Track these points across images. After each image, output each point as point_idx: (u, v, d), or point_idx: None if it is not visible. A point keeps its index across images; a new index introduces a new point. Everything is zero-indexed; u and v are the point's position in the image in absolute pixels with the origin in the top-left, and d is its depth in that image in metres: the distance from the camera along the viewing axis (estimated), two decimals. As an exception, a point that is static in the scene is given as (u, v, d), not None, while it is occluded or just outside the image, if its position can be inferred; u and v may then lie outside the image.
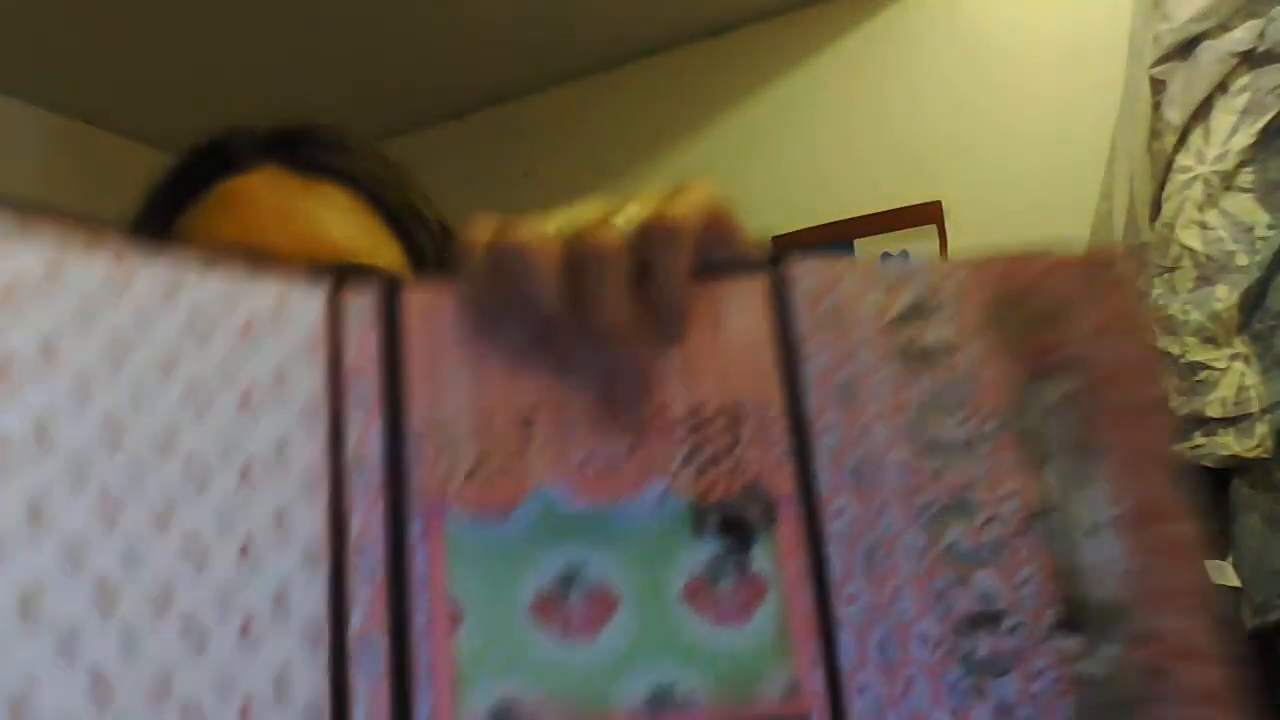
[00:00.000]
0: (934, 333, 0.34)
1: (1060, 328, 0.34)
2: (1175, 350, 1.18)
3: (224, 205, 0.52)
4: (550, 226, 0.34)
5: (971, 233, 1.72)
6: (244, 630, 0.29)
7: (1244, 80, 1.18)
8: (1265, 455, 1.11)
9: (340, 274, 0.32)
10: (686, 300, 0.33)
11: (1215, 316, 1.15)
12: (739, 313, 0.34)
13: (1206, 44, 1.21)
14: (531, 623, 0.30)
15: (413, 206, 0.57)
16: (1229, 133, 1.18)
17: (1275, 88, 1.16)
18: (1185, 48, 1.24)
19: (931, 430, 0.33)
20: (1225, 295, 1.14)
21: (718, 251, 0.35)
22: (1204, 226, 1.18)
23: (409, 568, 0.30)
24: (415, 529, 0.30)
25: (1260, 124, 1.16)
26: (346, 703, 0.29)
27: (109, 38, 1.99)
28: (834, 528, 0.32)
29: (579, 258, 0.32)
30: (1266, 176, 1.15)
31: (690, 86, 2.11)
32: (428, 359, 0.32)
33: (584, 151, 2.26)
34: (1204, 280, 1.17)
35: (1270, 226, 1.14)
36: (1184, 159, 1.23)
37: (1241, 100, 1.18)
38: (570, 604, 0.31)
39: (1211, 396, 1.14)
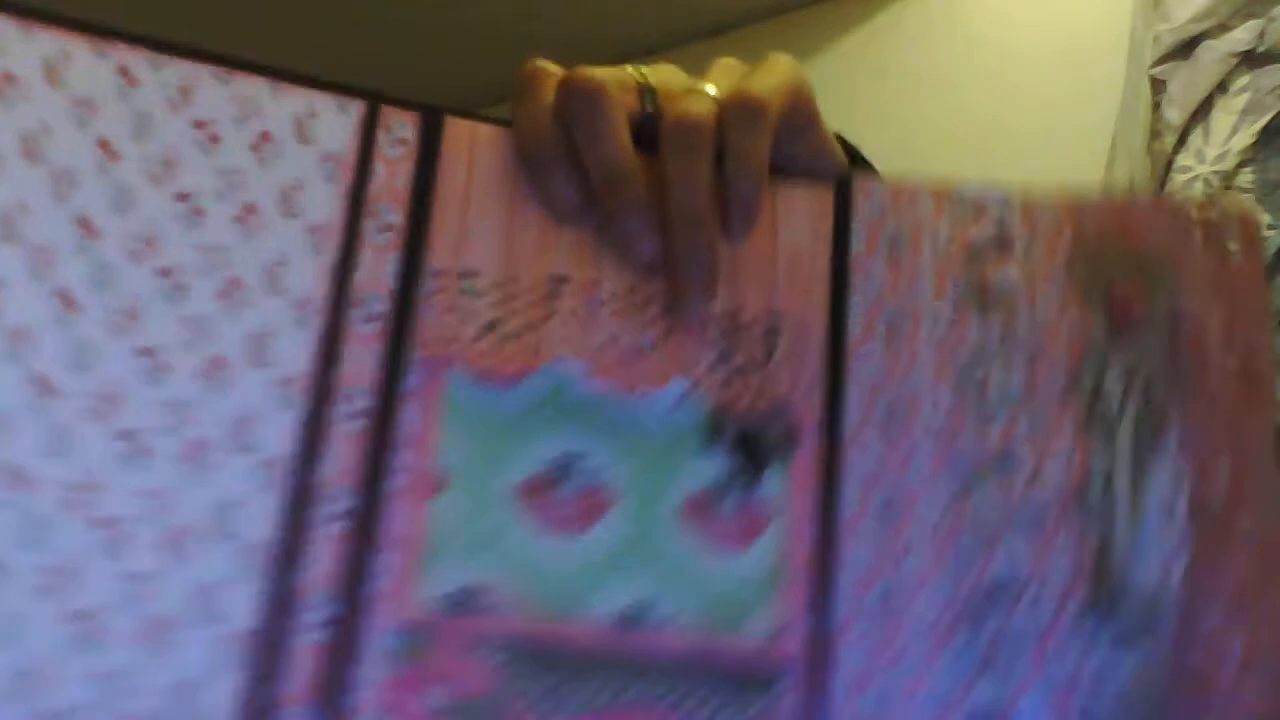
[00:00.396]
0: (1006, 271, 0.31)
1: (1151, 279, 0.31)
2: (1175, 350, 1.18)
3: None
4: (631, 78, 0.31)
5: (971, 233, 1.72)
6: (191, 457, 0.25)
7: (1244, 80, 1.18)
8: (1265, 455, 1.11)
9: (375, 96, 0.29)
10: (761, 193, 0.30)
11: (1215, 316, 1.15)
12: (796, 220, 0.31)
13: (1206, 44, 1.21)
14: (517, 506, 0.28)
15: None
16: (1229, 133, 1.18)
17: (1275, 88, 1.16)
18: (1185, 48, 1.24)
19: (986, 375, 0.30)
20: (1225, 295, 1.14)
21: (796, 142, 0.32)
22: (1204, 226, 1.18)
23: (396, 422, 0.27)
24: (412, 381, 0.27)
25: (1260, 124, 1.16)
26: (297, 555, 0.25)
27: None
28: (855, 464, 0.29)
29: (670, 123, 0.29)
30: (1266, 176, 1.15)
31: (690, 86, 2.10)
32: (460, 201, 0.29)
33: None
34: (1204, 280, 1.17)
35: (1270, 226, 1.14)
36: (1184, 159, 1.22)
37: (1241, 100, 1.18)
38: (561, 494, 0.28)
39: (1211, 396, 1.14)
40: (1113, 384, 0.30)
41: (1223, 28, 1.20)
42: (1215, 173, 1.18)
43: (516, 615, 0.27)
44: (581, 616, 0.27)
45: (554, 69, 0.30)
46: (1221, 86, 1.20)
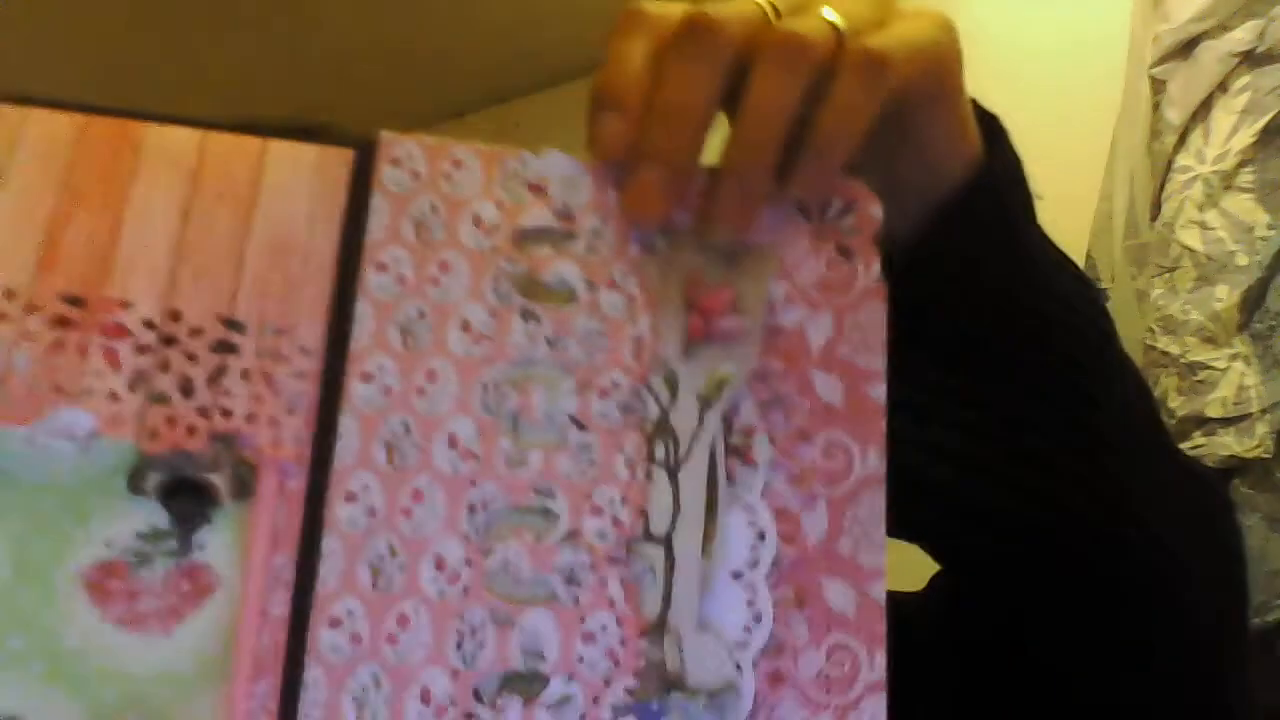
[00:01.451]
0: (567, 264, 0.25)
1: (748, 282, 0.25)
2: (1175, 350, 1.18)
3: None
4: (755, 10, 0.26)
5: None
6: None
7: (1244, 80, 1.18)
8: (1265, 455, 1.10)
9: None
10: (843, 160, 0.26)
11: (1215, 316, 1.15)
12: (287, 193, 0.24)
13: (1206, 44, 1.21)
14: None
15: None
16: (1229, 133, 1.18)
17: (1275, 88, 1.16)
18: (1185, 48, 1.24)
19: (521, 398, 0.24)
20: (1225, 295, 1.14)
21: (919, 114, 0.28)
22: (1204, 226, 1.18)
23: None
24: None
25: (1260, 124, 1.16)
26: None
27: (111, 37, 1.99)
28: (341, 518, 0.22)
29: (774, 36, 0.25)
30: (1266, 176, 1.15)
31: (690, 86, 2.10)
32: None
33: (584, 151, 2.25)
34: (1204, 280, 1.17)
35: (1270, 226, 1.14)
36: (1184, 159, 1.23)
37: (1241, 100, 1.18)
38: None
39: (1211, 396, 1.14)
40: (684, 414, 0.24)
41: (1223, 28, 1.20)
42: (1215, 173, 1.18)
43: None
44: None
45: (658, 9, 0.27)
46: (1221, 86, 1.20)
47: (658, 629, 0.23)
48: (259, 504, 0.22)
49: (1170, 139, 1.24)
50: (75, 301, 0.22)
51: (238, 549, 0.22)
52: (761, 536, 0.24)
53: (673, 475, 0.24)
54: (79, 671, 0.21)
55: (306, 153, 0.24)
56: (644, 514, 0.23)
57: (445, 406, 0.23)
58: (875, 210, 0.26)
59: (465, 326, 0.24)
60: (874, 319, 0.26)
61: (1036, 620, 0.34)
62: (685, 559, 0.23)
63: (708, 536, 0.24)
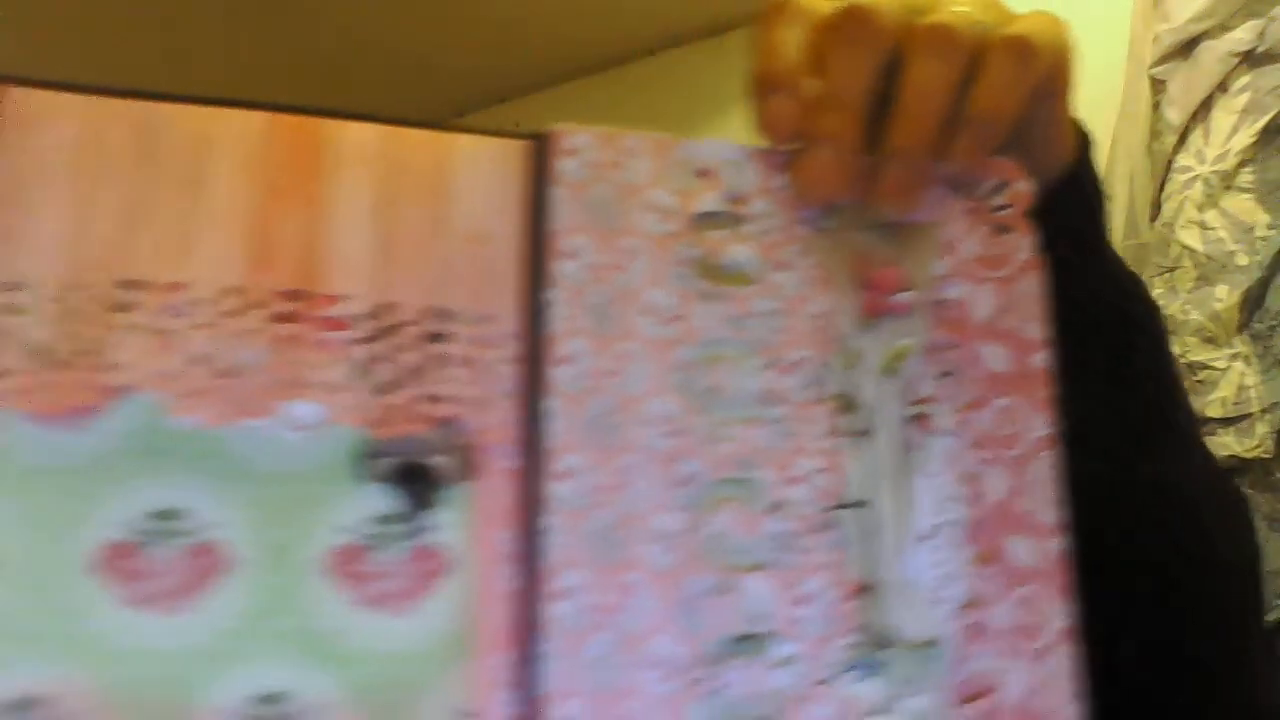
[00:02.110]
0: (741, 247, 0.26)
1: (913, 259, 0.27)
2: (1175, 350, 1.18)
3: None
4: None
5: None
6: None
7: (1244, 80, 1.18)
8: (1265, 455, 1.10)
9: None
10: (998, 139, 0.28)
11: (1215, 316, 1.15)
12: (477, 187, 0.25)
13: (1206, 44, 1.21)
14: (93, 580, 0.21)
15: None
16: (1229, 133, 1.18)
17: (1275, 88, 1.16)
18: (1185, 48, 1.24)
19: (714, 377, 0.25)
20: (1225, 295, 1.14)
21: (1039, 108, 0.30)
22: (1204, 226, 1.18)
23: None
24: None
25: (1260, 124, 1.16)
26: None
27: (110, 37, 1.99)
28: (557, 494, 0.23)
29: (926, 26, 0.27)
30: (1266, 176, 1.15)
31: (690, 86, 2.11)
32: (9, 190, 0.22)
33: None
34: (1204, 280, 1.17)
35: (1270, 226, 1.14)
36: (1184, 159, 1.22)
37: (1241, 100, 1.18)
38: (154, 558, 0.21)
39: (1211, 396, 1.14)
40: (866, 386, 0.26)
41: (1223, 28, 1.20)
42: (1215, 173, 1.18)
43: None
44: (194, 716, 0.21)
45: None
46: (1221, 86, 1.20)
47: (867, 589, 0.24)
48: (483, 484, 0.23)
49: (1170, 139, 1.24)
50: (294, 296, 0.23)
51: (467, 529, 0.23)
52: (948, 499, 0.25)
53: (862, 445, 0.25)
54: (334, 652, 0.22)
55: (487, 145, 0.25)
56: (840, 482, 0.25)
57: (642, 387, 0.25)
58: (1026, 186, 0.28)
59: (652, 309, 0.25)
60: (1032, 290, 0.28)
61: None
62: (884, 522, 0.25)
63: (900, 501, 0.25)
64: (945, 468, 0.25)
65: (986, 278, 0.27)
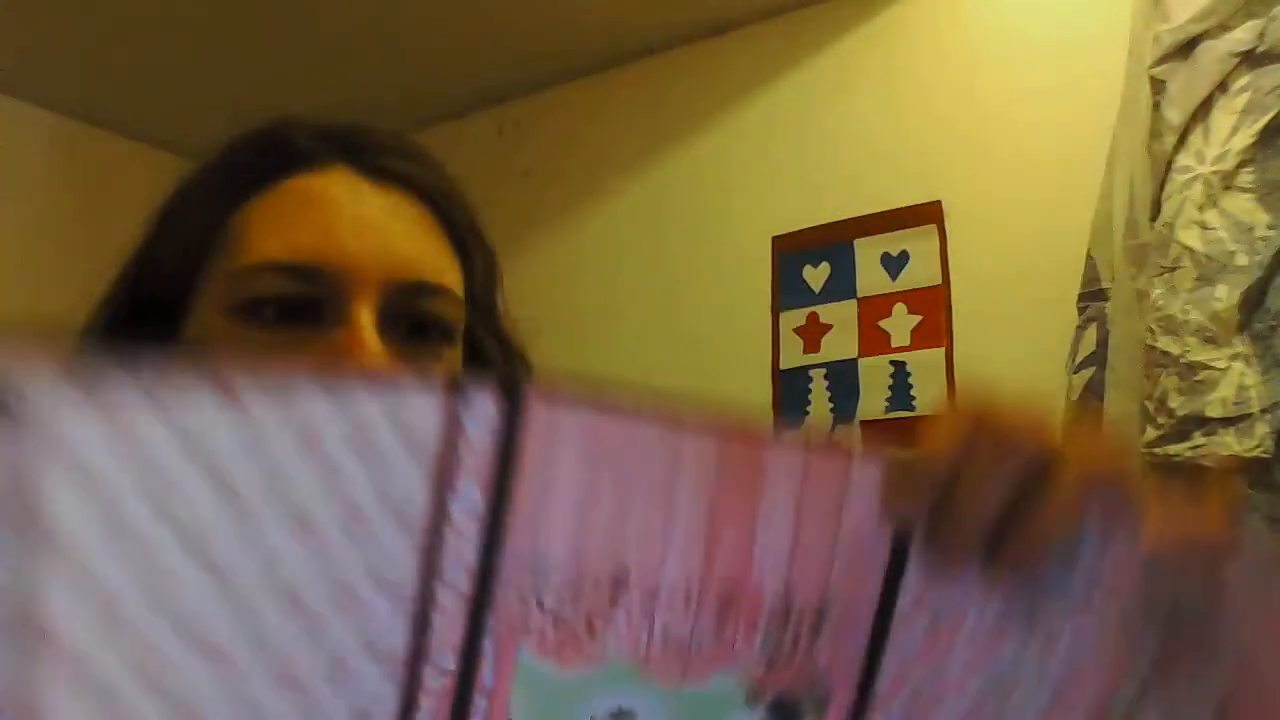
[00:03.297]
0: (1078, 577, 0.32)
1: (1217, 623, 0.32)
2: (1175, 350, 1.18)
3: (298, 203, 0.49)
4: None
5: (972, 234, 1.72)
6: None
7: (1244, 80, 1.18)
8: (1265, 455, 1.10)
9: (455, 381, 0.29)
10: (1040, 559, 0.31)
11: (1215, 316, 1.15)
12: (864, 499, 0.31)
13: (1206, 44, 1.21)
14: None
15: (474, 227, 0.54)
16: (1229, 133, 1.18)
17: (1275, 88, 1.16)
18: (1185, 48, 1.24)
19: (1013, 685, 0.32)
20: (1225, 295, 1.14)
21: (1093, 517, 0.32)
22: (1204, 226, 1.18)
23: (476, 678, 0.29)
24: (488, 647, 0.29)
25: (1260, 124, 1.16)
26: None
27: (110, 37, 1.99)
28: None
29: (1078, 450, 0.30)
30: (1266, 176, 1.15)
31: (690, 86, 2.11)
32: (540, 482, 0.29)
33: (584, 151, 2.26)
34: (1204, 280, 1.17)
35: (1270, 226, 1.14)
36: (1184, 159, 1.22)
37: (1241, 100, 1.18)
38: None
39: (1211, 396, 1.14)
40: None
41: (1223, 28, 1.20)
42: (1215, 173, 1.18)
43: None
44: None
45: (1004, 422, 0.32)
46: (1221, 86, 1.20)
47: None
48: (832, 712, 0.32)
49: (1170, 139, 1.24)
50: (730, 584, 0.31)
51: None
52: None
53: None
54: None
55: (872, 465, 0.31)
56: None
57: (955, 671, 0.32)
58: None
59: (980, 618, 0.32)
60: None
61: None
62: None
63: None
64: None
65: None
